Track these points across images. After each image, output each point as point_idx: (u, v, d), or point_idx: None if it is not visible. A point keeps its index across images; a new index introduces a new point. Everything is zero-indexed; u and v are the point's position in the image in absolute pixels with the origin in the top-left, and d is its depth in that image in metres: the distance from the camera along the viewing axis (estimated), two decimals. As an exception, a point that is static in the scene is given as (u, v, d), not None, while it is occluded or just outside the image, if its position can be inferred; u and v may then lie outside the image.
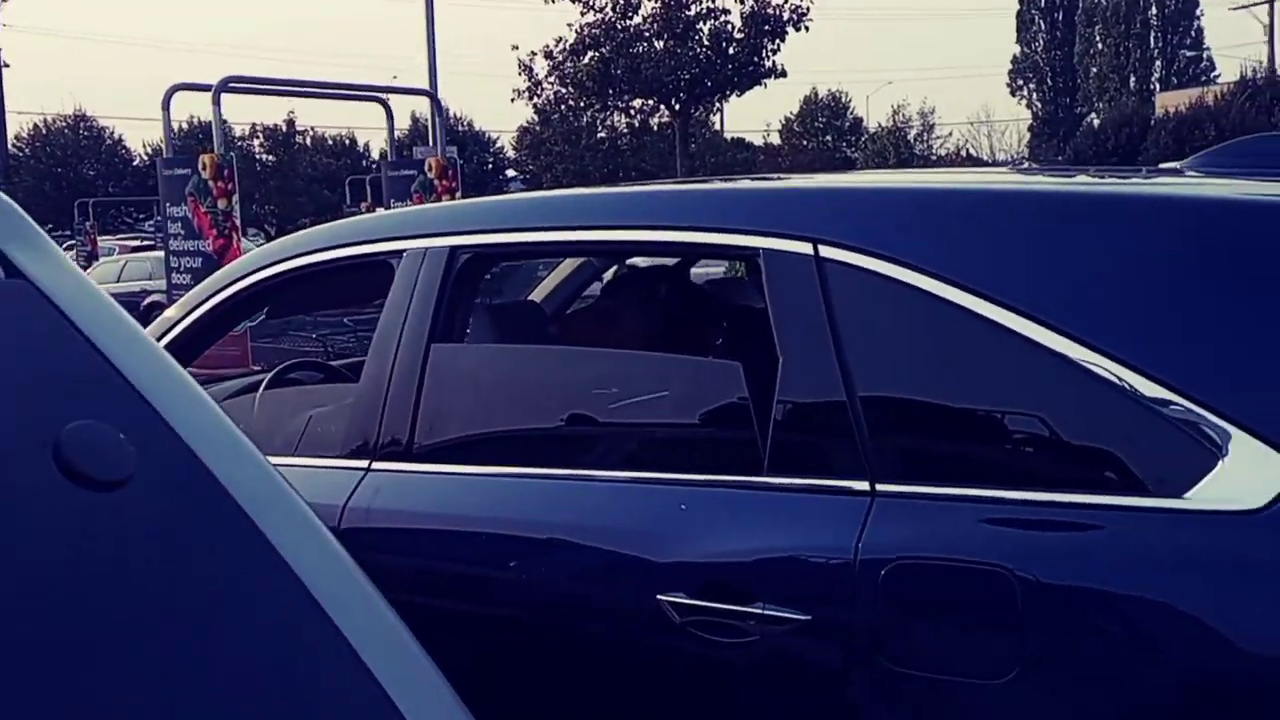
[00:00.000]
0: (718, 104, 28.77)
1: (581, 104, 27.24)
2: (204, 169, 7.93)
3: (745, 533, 1.94)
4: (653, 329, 2.71)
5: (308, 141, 41.58)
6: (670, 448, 2.20)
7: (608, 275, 3.40)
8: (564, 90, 26.68)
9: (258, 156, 38.03)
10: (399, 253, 2.49)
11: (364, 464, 2.41)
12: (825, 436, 1.95)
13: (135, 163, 44.64)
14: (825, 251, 1.98)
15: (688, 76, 25.75)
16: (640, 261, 3.07)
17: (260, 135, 38.60)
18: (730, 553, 1.93)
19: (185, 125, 42.39)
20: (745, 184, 2.44)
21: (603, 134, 28.88)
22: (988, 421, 1.89)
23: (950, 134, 50.60)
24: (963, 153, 43.97)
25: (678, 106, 26.59)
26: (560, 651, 2.10)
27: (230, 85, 8.84)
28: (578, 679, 2.09)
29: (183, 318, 2.78)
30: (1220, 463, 1.65)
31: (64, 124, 45.71)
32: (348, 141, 43.87)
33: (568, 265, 3.49)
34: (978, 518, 1.78)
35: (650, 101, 26.76)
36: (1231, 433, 1.64)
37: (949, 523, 1.80)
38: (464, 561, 2.24)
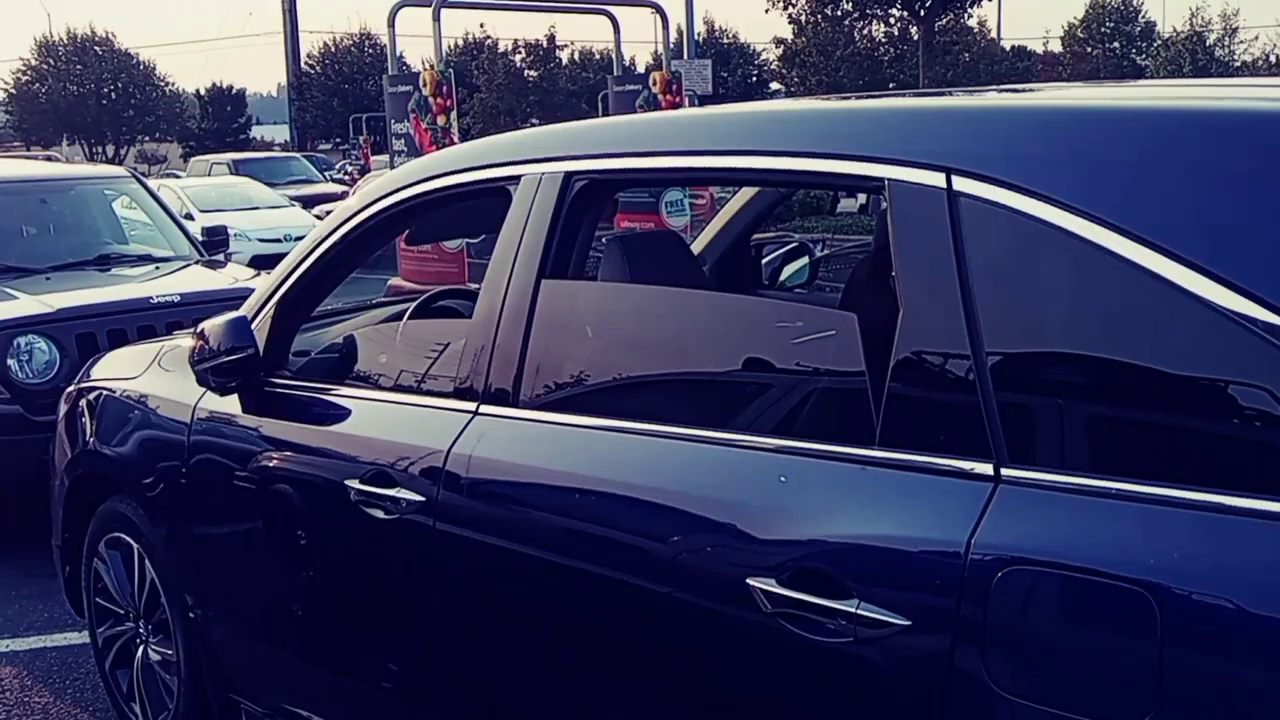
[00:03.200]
0: (969, 8, 26.71)
1: (828, 10, 25.85)
2: (424, 85, 7.96)
3: (847, 515, 1.66)
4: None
5: (576, 56, 41.99)
6: (777, 408, 1.92)
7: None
8: None
9: (526, 73, 38.75)
10: (516, 178, 2.31)
11: (472, 406, 2.26)
12: (946, 406, 1.63)
13: (416, 80, 46.65)
14: (960, 184, 1.64)
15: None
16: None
17: (522, 51, 39.31)
18: (828, 536, 1.65)
19: (460, 42, 43.79)
20: (872, 103, 2.08)
21: (858, 43, 27.50)
22: (1146, 399, 1.51)
23: (1256, 38, 45.81)
24: (1271, 58, 39.66)
25: (922, 11, 24.78)
26: (657, 628, 1.89)
27: (449, 1, 8.82)
28: (671, 663, 1.88)
29: (320, 242, 2.70)
30: None
31: (350, 43, 48.09)
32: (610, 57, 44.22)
33: (740, 197, 3.21)
34: (1124, 518, 1.43)
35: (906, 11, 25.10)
36: None
37: (1086, 522, 1.46)
38: (558, 521, 2.05)
